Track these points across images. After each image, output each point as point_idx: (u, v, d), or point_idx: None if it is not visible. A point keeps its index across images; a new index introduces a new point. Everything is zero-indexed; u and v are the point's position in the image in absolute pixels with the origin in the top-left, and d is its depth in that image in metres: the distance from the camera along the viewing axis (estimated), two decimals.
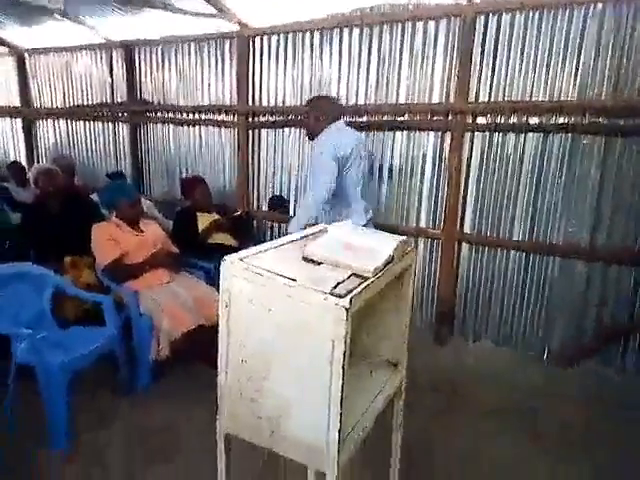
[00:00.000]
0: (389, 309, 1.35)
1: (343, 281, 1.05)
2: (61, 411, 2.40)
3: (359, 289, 1.02)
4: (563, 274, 3.20)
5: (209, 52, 4.32)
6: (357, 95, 3.70)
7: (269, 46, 4.01)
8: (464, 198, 3.39)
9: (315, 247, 1.19)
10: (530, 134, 3.14)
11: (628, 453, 2.36)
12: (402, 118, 3.53)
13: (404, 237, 1.30)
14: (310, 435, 1.05)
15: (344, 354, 0.97)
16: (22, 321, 2.59)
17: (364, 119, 3.69)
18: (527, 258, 3.30)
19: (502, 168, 3.26)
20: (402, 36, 3.45)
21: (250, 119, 4.19)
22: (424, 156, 3.51)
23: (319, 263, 1.15)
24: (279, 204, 4.19)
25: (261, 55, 4.06)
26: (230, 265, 1.08)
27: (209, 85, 4.39)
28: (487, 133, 3.26)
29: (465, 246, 3.46)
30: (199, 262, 3.56)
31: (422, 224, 3.57)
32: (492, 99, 3.21)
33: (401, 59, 3.48)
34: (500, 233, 3.33)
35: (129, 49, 4.78)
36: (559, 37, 2.96)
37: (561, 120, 3.03)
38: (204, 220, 3.79)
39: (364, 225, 2.81)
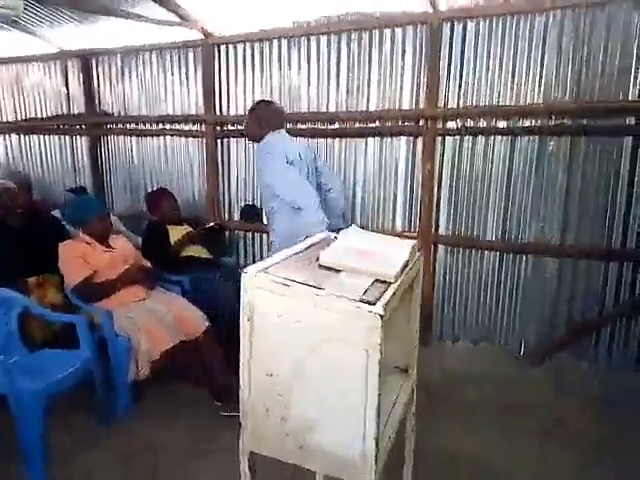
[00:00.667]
0: (400, 315, 1.34)
1: (369, 288, 1.04)
2: (36, 441, 2.25)
3: (388, 295, 1.01)
4: (535, 272, 3.31)
5: (172, 61, 4.22)
6: (328, 102, 3.71)
7: (235, 54, 3.96)
8: (438, 201, 3.45)
9: (330, 255, 1.17)
10: (499, 137, 3.24)
11: (606, 441, 2.45)
12: (374, 125, 3.56)
13: (414, 241, 1.30)
14: (343, 448, 1.02)
15: (379, 363, 0.94)
16: None
17: (336, 126, 3.70)
18: (501, 257, 3.39)
19: (473, 171, 3.34)
20: (370, 43, 3.49)
21: (218, 128, 4.12)
22: (397, 161, 3.56)
23: (337, 271, 1.12)
24: (252, 213, 4.13)
25: (227, 63, 4.01)
26: (253, 277, 1.03)
27: (173, 95, 4.29)
28: (457, 137, 3.34)
29: (441, 248, 3.53)
30: (172, 276, 3.45)
31: (398, 228, 3.60)
32: (461, 104, 3.30)
33: (370, 66, 3.52)
34: (474, 234, 3.41)
35: (86, 59, 4.60)
36: (522, 43, 3.08)
37: (528, 123, 3.15)
38: (175, 233, 3.68)
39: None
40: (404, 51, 3.41)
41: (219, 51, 4.01)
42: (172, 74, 4.24)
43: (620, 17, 2.85)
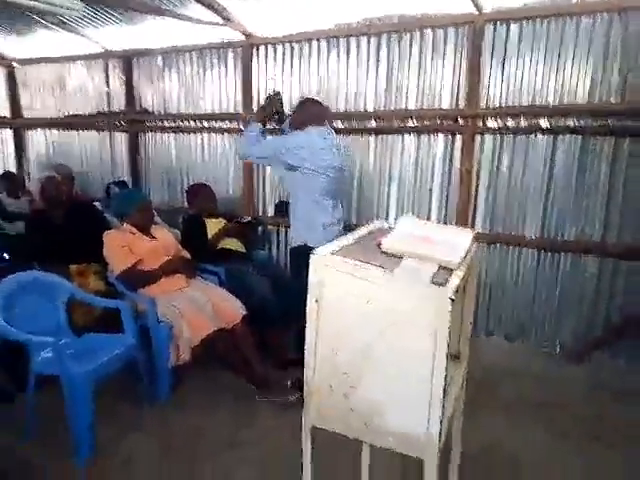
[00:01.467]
0: (457, 302, 1.37)
1: (435, 273, 1.07)
2: (86, 421, 2.33)
3: (457, 280, 1.04)
4: (574, 270, 3.29)
5: (212, 61, 4.33)
6: (366, 101, 3.74)
7: (275, 54, 4.04)
8: (475, 198, 3.46)
9: (392, 241, 1.20)
10: (540, 136, 3.23)
11: None
12: (412, 123, 3.58)
13: (474, 231, 1.33)
14: (407, 427, 1.05)
15: (448, 344, 0.98)
16: (37, 330, 2.51)
17: (373, 124, 3.73)
18: (539, 255, 3.38)
19: (512, 169, 3.34)
20: (411, 44, 3.53)
21: None
22: (433, 159, 3.58)
23: (400, 257, 1.16)
24: (284, 209, 4.19)
25: (266, 63, 4.09)
26: (323, 258, 1.08)
27: (212, 93, 4.39)
28: (497, 136, 3.34)
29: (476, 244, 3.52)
30: (209, 267, 3.54)
31: None
32: (502, 103, 3.30)
33: (410, 66, 3.56)
34: (512, 231, 3.40)
35: (128, 58, 4.74)
36: (567, 44, 3.08)
37: (570, 123, 3.13)
38: (212, 226, 3.77)
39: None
40: (445, 51, 3.43)
41: (258, 51, 4.09)
42: (212, 73, 4.34)
43: None
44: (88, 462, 2.28)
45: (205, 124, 4.45)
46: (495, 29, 3.26)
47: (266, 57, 4.07)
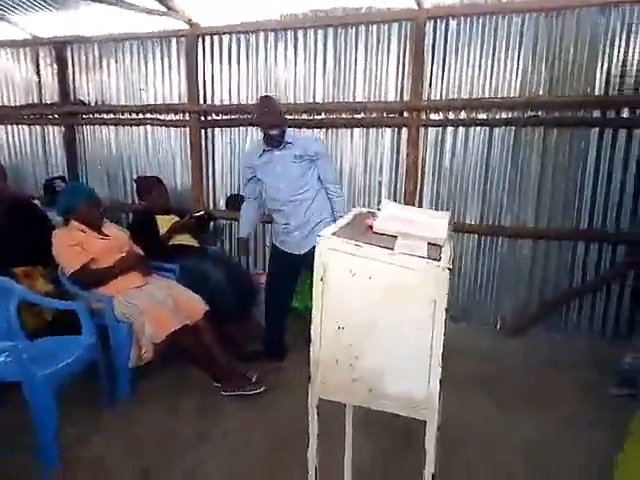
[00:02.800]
0: None
1: (428, 249, 1.18)
2: (51, 427, 2.25)
3: (447, 253, 1.16)
4: (511, 253, 3.58)
5: (154, 50, 4.21)
6: (314, 94, 3.83)
7: (220, 45, 4.01)
8: (421, 188, 3.66)
9: (383, 223, 1.31)
10: (478, 128, 3.48)
11: (580, 404, 2.73)
12: (359, 116, 3.72)
13: (448, 212, 1.46)
14: (409, 390, 1.16)
15: (446, 310, 1.09)
16: None
17: (322, 117, 3.82)
18: (479, 240, 3.64)
19: (454, 159, 3.57)
20: (356, 38, 3.65)
21: (203, 118, 4.15)
22: (382, 151, 3.74)
23: (392, 236, 1.26)
24: (238, 202, 4.18)
25: (212, 54, 4.05)
26: (327, 240, 1.15)
27: (155, 84, 4.27)
28: (440, 128, 3.55)
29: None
30: (162, 264, 3.47)
31: None
32: (444, 97, 3.51)
33: (356, 59, 3.68)
34: (455, 218, 3.64)
35: (60, 47, 4.49)
36: (501, 41, 3.33)
37: (505, 115, 3.40)
38: (163, 222, 3.69)
39: None
40: (389, 46, 3.59)
41: (204, 41, 4.04)
42: (154, 63, 4.22)
43: (588, 20, 3.14)
44: (55, 467, 2.21)
45: (148, 116, 4.32)
46: (435, 25, 3.45)
47: (212, 47, 4.03)
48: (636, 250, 3.22)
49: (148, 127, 4.38)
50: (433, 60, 3.50)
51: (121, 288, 2.94)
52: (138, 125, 4.39)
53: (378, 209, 1.44)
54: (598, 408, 2.65)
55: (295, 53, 3.82)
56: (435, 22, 3.44)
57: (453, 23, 3.40)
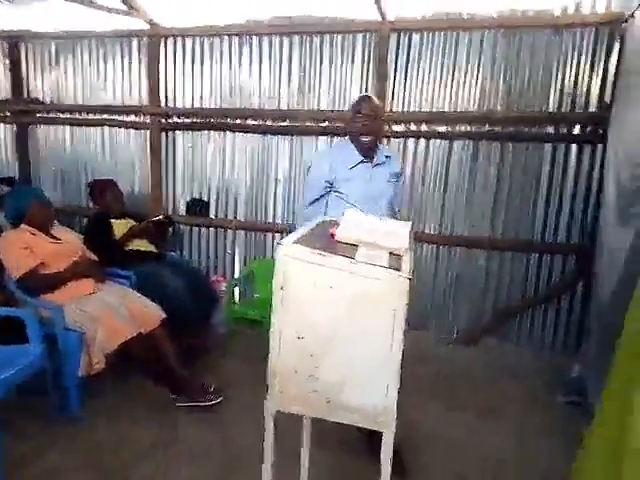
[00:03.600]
0: None
1: (389, 259, 1.19)
2: None
3: (408, 263, 1.16)
4: (467, 262, 3.66)
5: (114, 50, 4.09)
6: (279, 100, 3.82)
7: (183, 47, 3.94)
8: None
9: (345, 232, 1.30)
10: (438, 140, 3.55)
11: (530, 412, 2.81)
12: (324, 124, 3.73)
13: (410, 222, 1.48)
14: (368, 400, 1.15)
15: (406, 321, 1.10)
16: None
17: (286, 124, 3.81)
18: (437, 249, 3.71)
19: (415, 170, 3.63)
20: (321, 46, 3.67)
21: (164, 120, 4.06)
22: None
23: (354, 245, 1.26)
24: (199, 207, 4.11)
25: (174, 55, 3.98)
26: (288, 248, 1.14)
27: (114, 84, 4.15)
28: (402, 139, 3.61)
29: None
30: (117, 270, 3.36)
31: None
32: (406, 109, 3.57)
33: (322, 68, 3.70)
34: (414, 228, 3.68)
35: (14, 41, 4.29)
36: (461, 56, 3.43)
37: (464, 128, 3.49)
38: (119, 226, 3.57)
39: None
40: (353, 56, 3.63)
41: (166, 43, 3.96)
42: (114, 63, 4.10)
43: (542, 40, 3.27)
44: None
45: (107, 117, 4.19)
46: (399, 38, 3.52)
47: (174, 49, 3.96)
48: (585, 261, 3.35)
49: (106, 128, 4.24)
50: (396, 72, 3.56)
51: (72, 294, 2.82)
52: (95, 126, 4.25)
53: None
54: (547, 416, 2.73)
55: (260, 59, 3.80)
56: (398, 35, 3.50)
57: (416, 37, 3.48)
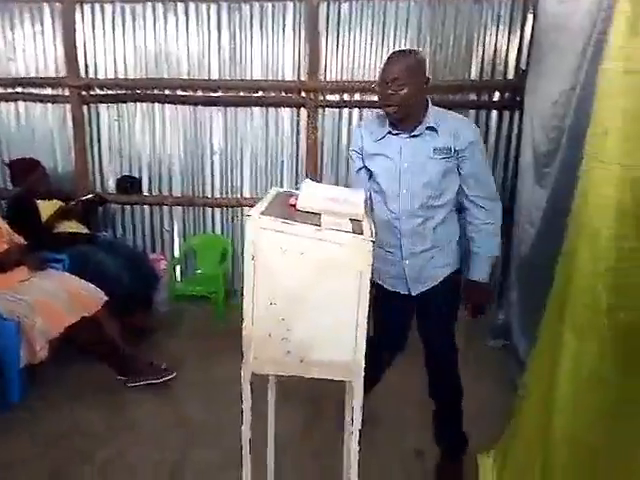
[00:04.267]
0: None
1: (352, 224, 1.27)
2: None
3: (369, 227, 1.26)
4: None
5: (23, 16, 3.73)
6: (210, 70, 3.71)
7: (102, 13, 3.68)
8: (321, 168, 3.77)
9: (306, 201, 1.36)
10: (371, 110, 3.65)
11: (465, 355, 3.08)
12: (258, 94, 3.70)
13: (362, 190, 1.56)
14: (338, 355, 1.25)
15: (371, 280, 1.19)
16: None
17: (219, 94, 3.73)
18: None
19: (351, 139, 3.71)
20: (251, 15, 3.59)
21: (85, 93, 3.81)
22: (282, 131, 3.77)
23: (315, 213, 1.33)
24: (130, 185, 3.95)
25: (93, 23, 3.70)
26: (258, 219, 1.19)
27: (25, 54, 3.80)
28: (337, 109, 3.67)
29: None
30: (49, 255, 3.20)
31: None
32: (339, 78, 3.62)
33: (252, 37, 3.63)
34: None
35: None
36: (389, 26, 3.51)
37: None
38: (46, 208, 3.37)
39: None
40: (284, 25, 3.59)
41: (82, 8, 3.67)
42: (23, 31, 3.75)
43: (465, 10, 3.43)
44: None
45: (20, 90, 3.85)
46: (329, 7, 3.53)
47: (92, 16, 3.68)
48: (505, 221, 3.65)
49: (20, 103, 3.89)
50: (327, 42, 3.58)
51: (4, 283, 2.67)
52: (8, 101, 3.89)
53: (296, 189, 1.50)
54: (480, 359, 3.00)
55: (187, 27, 3.65)
56: (328, 4, 3.51)
57: (345, 5, 3.51)
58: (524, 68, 3.42)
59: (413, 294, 1.99)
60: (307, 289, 1.21)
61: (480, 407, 2.37)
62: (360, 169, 2.03)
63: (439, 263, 1.96)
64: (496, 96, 3.59)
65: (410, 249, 1.93)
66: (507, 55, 3.50)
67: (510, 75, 3.53)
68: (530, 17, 3.37)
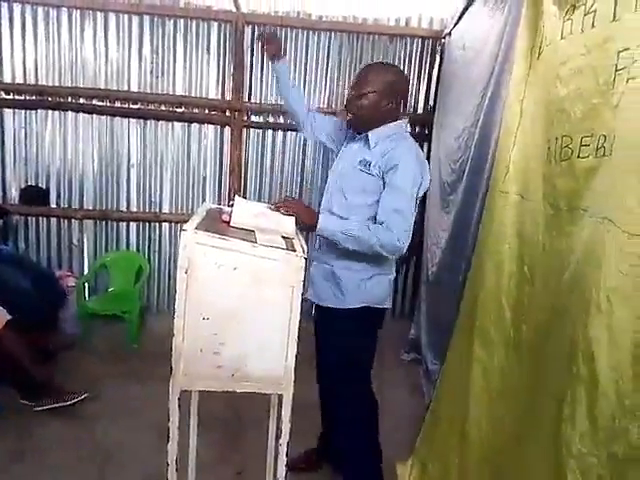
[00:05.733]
0: None
1: (284, 241, 1.34)
2: None
3: (300, 244, 1.33)
4: None
5: None
6: (129, 82, 3.63)
7: (10, 15, 3.46)
8: (245, 185, 3.82)
9: (239, 218, 1.41)
10: (293, 133, 3.78)
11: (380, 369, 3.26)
12: (180, 110, 3.67)
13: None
14: (270, 368, 1.29)
15: (302, 295, 1.27)
16: None
17: (138, 106, 3.65)
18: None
19: (274, 160, 3.82)
20: (175, 30, 3.58)
21: None
22: (205, 147, 3.77)
23: (250, 230, 1.38)
24: (36, 195, 3.70)
25: None
26: (193, 235, 1.21)
27: None
28: (261, 130, 3.76)
29: None
30: None
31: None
32: (264, 100, 3.72)
33: (176, 52, 3.62)
34: None
35: None
36: (311, 54, 3.69)
37: None
38: None
39: None
40: (209, 44, 3.62)
41: None
42: None
43: (380, 45, 3.71)
44: None
45: None
46: (253, 30, 3.63)
47: None
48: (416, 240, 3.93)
49: None
50: (252, 64, 3.67)
51: None
52: None
53: (229, 205, 1.53)
54: (394, 370, 3.18)
55: (106, 36, 3.55)
56: (253, 28, 3.61)
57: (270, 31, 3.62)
58: (432, 104, 3.75)
59: (316, 302, 1.92)
60: (240, 303, 1.26)
61: (396, 416, 2.50)
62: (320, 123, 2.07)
63: (343, 279, 1.82)
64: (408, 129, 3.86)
65: (315, 251, 1.89)
66: (418, 90, 3.81)
67: (420, 110, 3.84)
68: (437, 58, 3.71)
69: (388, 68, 1.88)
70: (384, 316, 1.96)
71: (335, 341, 1.88)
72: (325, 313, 1.89)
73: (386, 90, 1.74)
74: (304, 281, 1.27)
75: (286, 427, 1.35)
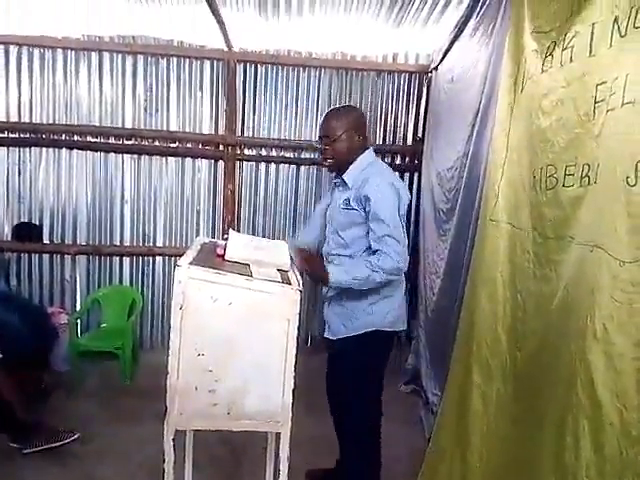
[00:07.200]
0: None
1: (279, 274, 1.34)
2: None
3: (296, 277, 1.34)
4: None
5: None
6: (124, 118, 3.68)
7: (7, 55, 3.54)
8: (238, 218, 3.83)
9: (234, 251, 1.42)
10: (286, 165, 3.83)
11: None
12: (174, 145, 3.72)
13: (284, 241, 1.65)
14: (265, 405, 1.27)
15: (298, 328, 1.26)
16: None
17: (132, 142, 3.70)
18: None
19: (268, 192, 3.86)
20: (168, 68, 3.67)
21: None
22: (199, 181, 3.81)
23: (245, 264, 1.38)
24: (29, 233, 3.69)
25: None
26: (188, 270, 1.21)
27: None
28: (254, 163, 3.80)
29: None
30: None
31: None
32: (256, 135, 3.79)
33: (169, 90, 3.69)
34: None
35: None
36: (302, 89, 3.78)
37: (309, 155, 3.83)
38: None
39: None
40: (202, 81, 3.71)
41: None
42: None
43: (369, 81, 3.81)
44: None
45: None
46: (246, 68, 3.72)
47: None
48: (410, 270, 3.93)
49: None
50: (245, 100, 3.75)
51: None
52: None
53: (224, 239, 1.55)
54: (393, 403, 3.10)
55: (100, 75, 3.62)
56: (245, 65, 3.71)
57: (262, 69, 3.72)
58: (420, 136, 3.83)
59: (331, 337, 2.11)
60: (236, 338, 1.25)
61: (397, 448, 2.45)
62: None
63: (347, 311, 1.99)
64: (398, 159, 3.95)
65: (326, 291, 2.05)
66: (407, 123, 3.90)
67: (409, 141, 3.92)
68: (424, 91, 3.82)
69: (344, 109, 2.12)
70: (394, 339, 2.08)
71: (346, 365, 2.04)
72: (337, 344, 2.06)
73: (353, 127, 1.93)
74: (300, 314, 1.27)
75: (284, 467, 1.32)
